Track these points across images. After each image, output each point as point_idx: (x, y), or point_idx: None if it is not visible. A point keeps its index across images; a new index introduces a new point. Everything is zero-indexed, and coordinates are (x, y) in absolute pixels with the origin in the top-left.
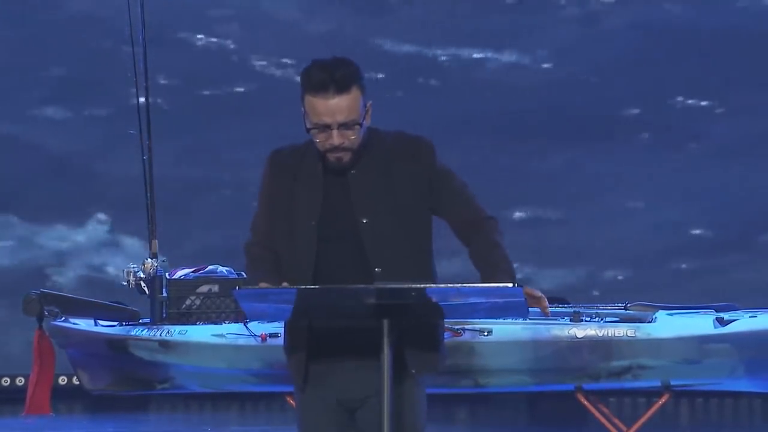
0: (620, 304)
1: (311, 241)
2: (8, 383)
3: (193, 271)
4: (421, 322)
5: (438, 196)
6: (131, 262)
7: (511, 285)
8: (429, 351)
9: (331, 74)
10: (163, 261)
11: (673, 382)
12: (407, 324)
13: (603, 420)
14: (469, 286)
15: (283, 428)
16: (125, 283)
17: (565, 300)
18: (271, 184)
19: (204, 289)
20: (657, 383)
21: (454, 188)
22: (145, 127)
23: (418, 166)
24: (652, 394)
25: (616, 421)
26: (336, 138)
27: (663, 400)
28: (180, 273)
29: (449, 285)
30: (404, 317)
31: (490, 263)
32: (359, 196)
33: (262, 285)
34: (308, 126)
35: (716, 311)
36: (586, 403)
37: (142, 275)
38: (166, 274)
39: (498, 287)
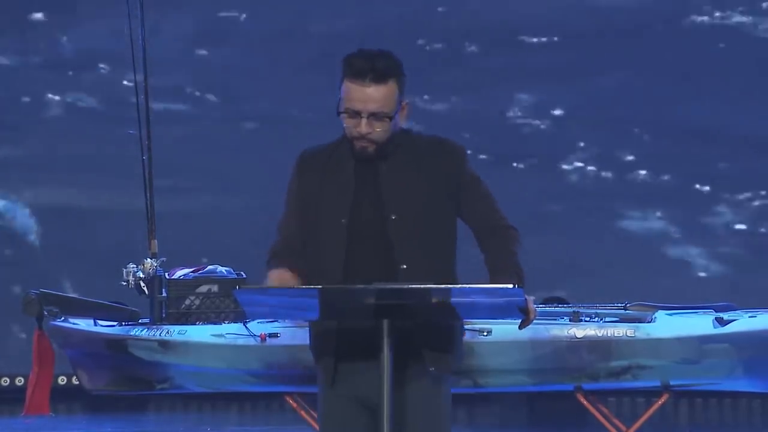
0: (620, 304)
1: (341, 240)
2: (8, 383)
3: (192, 271)
4: (437, 321)
5: (464, 200)
6: (130, 262)
7: (511, 286)
8: (444, 350)
9: (372, 63)
10: (163, 261)
11: (672, 382)
12: (423, 323)
13: (602, 420)
14: (470, 287)
15: (281, 428)
16: (124, 283)
17: (564, 300)
18: (300, 184)
19: (203, 289)
20: (656, 383)
21: (480, 194)
22: (145, 127)
23: (448, 168)
24: (651, 394)
25: (616, 421)
26: (364, 126)
27: (662, 400)
28: (179, 273)
29: (451, 285)
30: (408, 318)
31: (501, 269)
32: (390, 193)
33: (273, 273)
34: (340, 110)
35: (715, 311)
36: (585, 403)
37: (141, 275)
38: (166, 274)
39: (499, 288)
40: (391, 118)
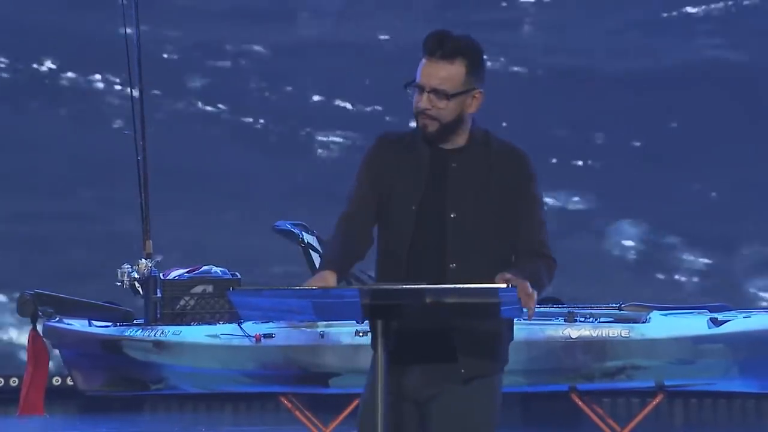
0: (614, 305)
1: (409, 226)
2: (2, 384)
3: (187, 272)
4: (476, 324)
5: (518, 215)
6: (125, 263)
7: (504, 286)
8: (479, 353)
9: (444, 41)
10: (157, 261)
11: (667, 383)
12: (463, 325)
13: (597, 420)
14: (463, 287)
15: (277, 428)
16: (119, 284)
17: (559, 300)
18: (375, 162)
19: (198, 289)
20: (651, 383)
21: (533, 216)
22: (140, 127)
23: (515, 178)
24: (646, 395)
25: (610, 421)
26: (424, 101)
27: (657, 400)
28: (174, 273)
29: (446, 286)
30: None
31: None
32: (454, 190)
33: (316, 275)
34: (408, 81)
35: (710, 311)
36: (580, 403)
37: (136, 275)
38: (161, 274)
39: (492, 288)
40: (450, 97)
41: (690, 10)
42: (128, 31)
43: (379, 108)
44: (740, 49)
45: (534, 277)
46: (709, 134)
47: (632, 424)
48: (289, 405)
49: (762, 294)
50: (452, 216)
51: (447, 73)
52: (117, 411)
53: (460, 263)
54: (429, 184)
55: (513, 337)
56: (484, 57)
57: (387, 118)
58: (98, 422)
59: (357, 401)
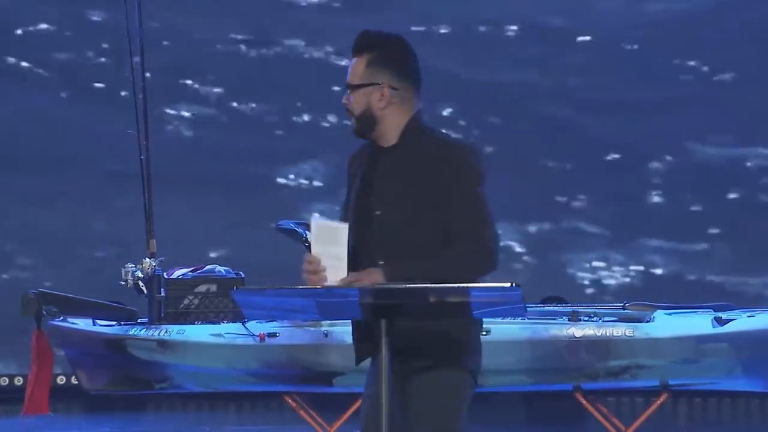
0: (618, 304)
1: (351, 227)
2: (6, 383)
3: (191, 271)
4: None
5: (450, 210)
6: (129, 262)
7: (508, 285)
8: (443, 347)
9: (357, 38)
10: (161, 260)
11: (671, 382)
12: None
13: (601, 419)
14: (465, 286)
15: (281, 428)
16: (123, 283)
17: (563, 299)
18: (348, 171)
19: (202, 288)
20: (655, 383)
21: (467, 209)
22: (143, 126)
23: (447, 174)
24: (650, 394)
25: (615, 420)
26: (345, 98)
27: (661, 399)
28: (178, 272)
29: (448, 285)
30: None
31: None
32: (380, 188)
33: (365, 271)
34: None
35: (714, 311)
36: (584, 402)
37: (140, 275)
38: (164, 273)
39: (496, 287)
40: (354, 89)
41: None
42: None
43: None
44: None
45: (408, 274)
46: None
47: (637, 424)
48: (294, 404)
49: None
50: (377, 213)
51: (354, 67)
52: (121, 410)
53: (387, 261)
54: (362, 184)
55: (472, 338)
56: (402, 55)
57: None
58: (102, 421)
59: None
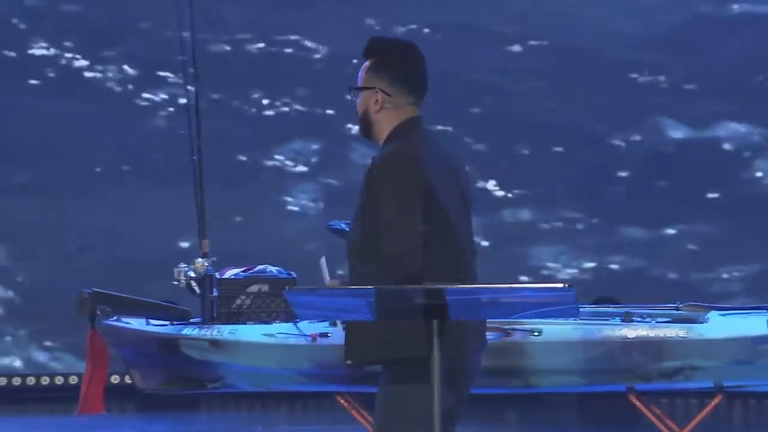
0: (672, 305)
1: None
2: (62, 382)
3: (243, 271)
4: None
5: (363, 219)
6: (182, 262)
7: (561, 285)
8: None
9: (368, 42)
10: (214, 260)
11: (725, 383)
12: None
13: (655, 420)
14: (517, 287)
15: (333, 427)
16: (176, 283)
17: (616, 300)
18: None
19: (254, 288)
20: (709, 384)
21: (363, 221)
22: (195, 127)
23: (363, 185)
24: (704, 395)
25: (669, 422)
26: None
27: (715, 401)
28: (230, 272)
29: (497, 285)
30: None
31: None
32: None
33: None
34: None
35: None
36: (638, 403)
37: (192, 275)
38: (216, 273)
39: (549, 288)
40: (356, 91)
41: None
42: (184, 33)
43: None
44: None
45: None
46: None
47: (691, 425)
48: (345, 404)
49: None
50: (349, 221)
51: (361, 70)
52: (174, 409)
53: (348, 268)
54: None
55: (382, 331)
56: (401, 63)
57: None
58: (156, 420)
59: None
